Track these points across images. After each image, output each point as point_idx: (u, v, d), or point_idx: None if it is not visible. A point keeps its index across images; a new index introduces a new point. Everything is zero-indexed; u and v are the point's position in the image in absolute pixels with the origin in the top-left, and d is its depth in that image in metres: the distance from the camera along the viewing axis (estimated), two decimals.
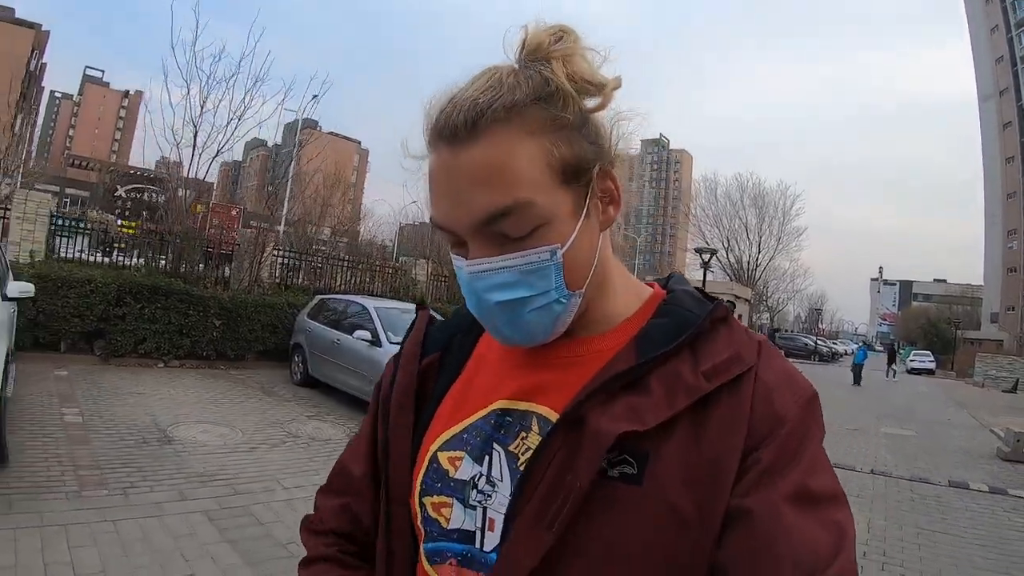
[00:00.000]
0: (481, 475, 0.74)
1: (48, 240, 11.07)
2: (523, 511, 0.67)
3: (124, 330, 9.72)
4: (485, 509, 0.73)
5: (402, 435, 0.80)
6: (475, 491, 0.74)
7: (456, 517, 0.74)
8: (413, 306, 7.51)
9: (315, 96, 15.26)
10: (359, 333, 8.63)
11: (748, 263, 50.28)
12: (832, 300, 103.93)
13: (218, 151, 11.58)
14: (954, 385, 33.70)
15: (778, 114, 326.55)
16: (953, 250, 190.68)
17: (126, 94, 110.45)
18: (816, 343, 49.97)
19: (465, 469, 0.75)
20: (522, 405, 0.76)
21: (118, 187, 42.16)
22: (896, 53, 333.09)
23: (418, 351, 0.87)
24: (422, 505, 0.77)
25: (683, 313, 0.74)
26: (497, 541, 0.71)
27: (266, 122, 12.80)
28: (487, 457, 0.74)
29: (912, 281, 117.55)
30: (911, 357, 44.88)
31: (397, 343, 7.33)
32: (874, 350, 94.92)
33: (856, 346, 27.93)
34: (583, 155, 0.70)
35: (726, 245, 47.33)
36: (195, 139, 11.53)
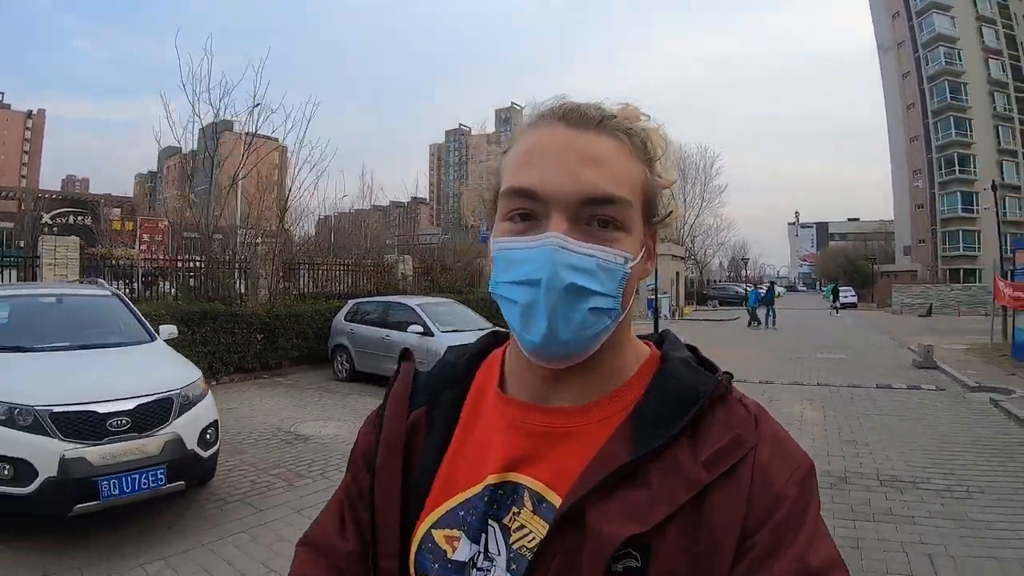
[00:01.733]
0: (479, 553, 0.75)
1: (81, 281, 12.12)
2: None
3: None
4: None
5: (390, 505, 0.81)
6: (475, 570, 0.75)
7: None
8: (447, 300, 9.85)
9: (257, 104, 15.77)
10: (412, 327, 10.53)
11: (677, 222, 53.31)
12: (754, 247, 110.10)
13: (233, 180, 12.98)
14: (876, 315, 37.96)
15: (683, 83, 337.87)
16: (865, 189, 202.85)
17: (29, 114, 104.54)
18: (747, 290, 53.81)
19: (463, 550, 0.76)
20: (512, 476, 0.77)
21: (43, 214, 41.22)
22: (799, 11, 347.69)
23: (405, 407, 0.87)
24: None
25: (679, 387, 0.75)
26: None
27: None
28: (483, 535, 0.75)
29: (828, 222, 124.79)
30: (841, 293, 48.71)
31: (447, 332, 9.23)
32: (796, 290, 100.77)
33: (749, 289, 31.00)
34: (656, 200, 0.79)
35: None
36: (212, 169, 12.83)
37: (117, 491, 4.34)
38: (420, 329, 10.47)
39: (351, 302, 12.63)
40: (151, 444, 4.59)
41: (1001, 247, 24.72)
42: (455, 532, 0.76)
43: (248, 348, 11.92)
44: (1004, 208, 46.15)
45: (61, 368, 5.09)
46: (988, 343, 16.63)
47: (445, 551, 0.76)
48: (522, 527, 0.74)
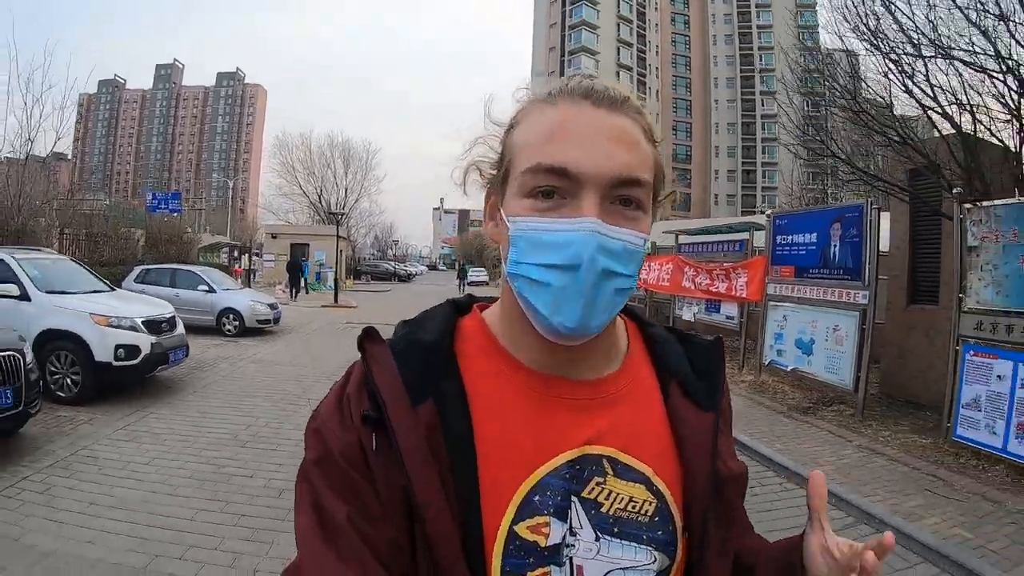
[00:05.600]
0: (567, 531, 0.76)
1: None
2: (709, 544, 0.83)
3: None
4: (571, 559, 0.76)
5: (445, 524, 0.72)
6: (566, 548, 0.76)
7: None
8: (211, 268, 20.23)
9: None
10: (201, 287, 15.19)
11: (338, 206, 59.93)
12: (400, 228, 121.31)
13: None
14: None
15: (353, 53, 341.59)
16: None
17: None
18: (396, 268, 62.79)
19: (555, 532, 0.76)
20: (589, 450, 0.79)
21: None
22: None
23: (407, 402, 0.76)
24: None
25: (687, 348, 0.94)
26: None
27: None
28: (568, 512, 0.76)
29: (468, 210, 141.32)
30: (470, 273, 59.10)
31: (226, 290, 16.38)
32: (438, 269, 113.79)
33: (303, 261, 36.32)
34: (661, 181, 0.83)
35: (319, 192, 56.57)
36: None
37: (175, 359, 9.21)
38: (206, 288, 15.28)
39: (138, 268, 16.32)
40: (179, 335, 9.54)
41: None
42: (542, 519, 0.76)
43: None
44: None
45: (113, 301, 9.20)
46: None
47: (536, 541, 0.75)
48: (612, 493, 0.78)
